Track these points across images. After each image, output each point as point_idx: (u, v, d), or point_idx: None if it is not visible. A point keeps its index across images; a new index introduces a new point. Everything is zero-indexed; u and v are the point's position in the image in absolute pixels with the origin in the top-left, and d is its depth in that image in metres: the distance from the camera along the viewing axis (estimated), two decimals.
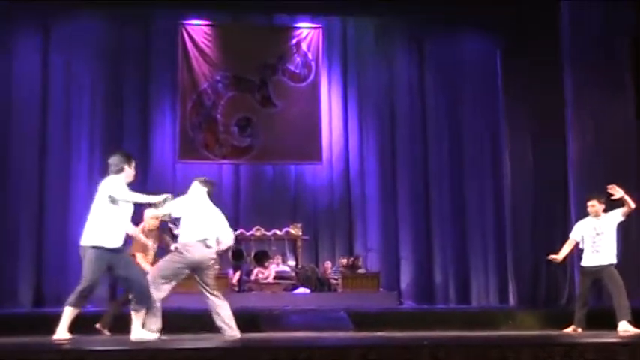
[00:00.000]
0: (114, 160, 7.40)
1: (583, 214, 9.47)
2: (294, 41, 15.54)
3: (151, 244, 8.79)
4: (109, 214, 7.16)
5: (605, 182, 9.23)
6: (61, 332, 7.11)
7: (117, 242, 7.21)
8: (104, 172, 14.32)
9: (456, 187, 15.33)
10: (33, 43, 14.62)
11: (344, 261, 14.24)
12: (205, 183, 7.82)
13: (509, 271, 14.63)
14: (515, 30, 14.45)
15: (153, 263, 8.44)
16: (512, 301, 14.40)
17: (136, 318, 7.19)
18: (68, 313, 7.16)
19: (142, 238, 8.50)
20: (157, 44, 15.29)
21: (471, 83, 15.40)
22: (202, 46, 15.32)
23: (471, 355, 4.98)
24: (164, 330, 7.50)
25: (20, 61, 14.48)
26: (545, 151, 14.20)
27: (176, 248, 7.59)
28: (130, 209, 7.39)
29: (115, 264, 7.20)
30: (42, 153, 14.45)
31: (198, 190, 7.75)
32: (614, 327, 8.61)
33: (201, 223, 7.53)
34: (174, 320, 9.84)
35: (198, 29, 15.41)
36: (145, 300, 7.20)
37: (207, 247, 7.51)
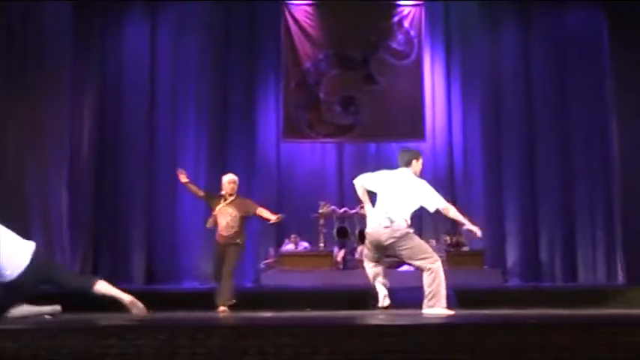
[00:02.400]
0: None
1: None
2: (396, 19, 15.46)
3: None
4: None
5: None
6: None
7: None
8: (209, 151, 14.78)
9: (562, 162, 15.07)
10: (141, 26, 15.18)
11: (447, 239, 14.19)
12: None
13: (618, 247, 14.37)
14: (623, 1, 14.08)
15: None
16: (620, 278, 14.15)
17: None
18: None
19: None
20: (260, 25, 15.50)
21: (579, 57, 15.08)
22: (305, 25, 15.43)
23: (579, 335, 4.94)
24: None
25: (129, 42, 15.09)
26: None
27: None
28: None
29: None
30: (151, 132, 14.94)
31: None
32: None
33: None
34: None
35: (300, 9, 15.52)
36: None
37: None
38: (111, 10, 14.81)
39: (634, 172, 13.99)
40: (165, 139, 15.02)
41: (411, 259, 7.65)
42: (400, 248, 7.58)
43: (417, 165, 7.89)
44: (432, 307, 7.37)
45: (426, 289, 7.46)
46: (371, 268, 7.83)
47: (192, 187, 9.31)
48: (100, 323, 5.94)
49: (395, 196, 7.66)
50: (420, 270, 7.59)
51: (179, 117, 15.16)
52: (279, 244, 14.36)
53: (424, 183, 7.84)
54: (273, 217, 9.17)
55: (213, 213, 9.07)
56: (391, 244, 7.56)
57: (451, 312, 7.34)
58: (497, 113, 15.39)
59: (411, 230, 7.69)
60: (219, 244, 9.02)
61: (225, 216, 8.98)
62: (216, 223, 9.06)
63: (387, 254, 7.88)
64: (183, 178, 9.20)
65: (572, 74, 15.14)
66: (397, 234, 7.52)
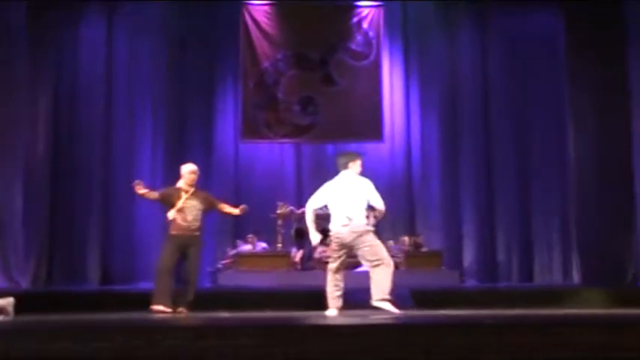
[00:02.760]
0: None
1: None
2: (355, 20, 15.48)
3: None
4: None
5: None
6: None
7: None
8: (167, 152, 14.68)
9: (519, 163, 15.17)
10: (97, 26, 14.93)
11: (406, 239, 14.24)
12: None
13: (573, 248, 14.49)
14: (579, 2, 14.20)
15: None
16: (576, 278, 14.29)
17: None
18: None
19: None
20: (219, 25, 15.42)
21: (536, 59, 15.16)
22: (264, 25, 15.39)
23: (535, 334, 4.99)
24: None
25: (85, 45, 14.86)
26: (609, 126, 13.94)
27: None
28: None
29: None
30: (107, 133, 14.78)
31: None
32: None
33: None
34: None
35: (259, 9, 15.47)
36: None
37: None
38: (66, 11, 14.53)
39: (588, 173, 14.08)
40: (121, 140, 14.88)
41: (364, 257, 7.76)
42: (360, 245, 7.69)
43: (355, 167, 8.17)
44: (383, 301, 7.50)
45: (377, 285, 7.56)
46: (331, 279, 7.86)
47: (148, 195, 8.92)
48: (54, 325, 5.88)
49: (346, 198, 7.83)
50: (370, 267, 7.72)
51: (136, 118, 15.04)
52: (237, 244, 14.30)
53: (369, 182, 8.01)
54: (236, 210, 9.12)
55: (177, 209, 8.80)
56: (353, 239, 7.74)
57: (399, 311, 7.45)
58: (455, 114, 15.45)
59: (372, 229, 7.80)
60: (180, 238, 8.66)
61: (192, 210, 8.76)
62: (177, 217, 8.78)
63: (351, 254, 7.96)
64: (140, 189, 8.86)
65: (529, 75, 15.22)
66: (358, 229, 7.65)
